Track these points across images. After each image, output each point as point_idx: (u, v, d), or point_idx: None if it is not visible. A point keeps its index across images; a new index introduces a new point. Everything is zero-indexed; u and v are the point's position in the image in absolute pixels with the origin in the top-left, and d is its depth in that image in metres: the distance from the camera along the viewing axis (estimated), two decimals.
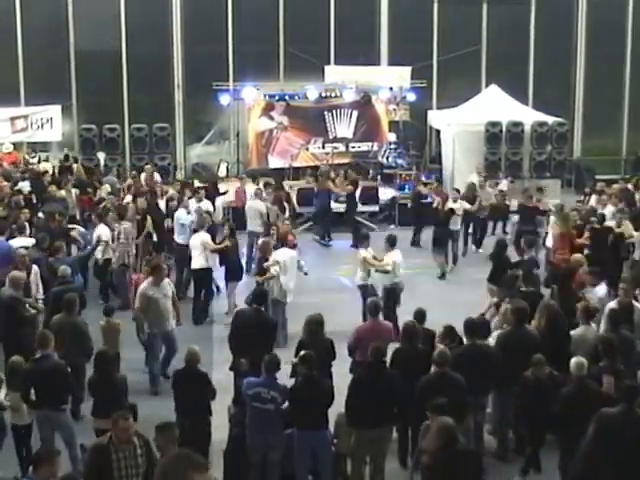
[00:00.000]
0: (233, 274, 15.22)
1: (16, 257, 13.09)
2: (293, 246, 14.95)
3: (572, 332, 10.64)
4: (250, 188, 20.61)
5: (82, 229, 17.01)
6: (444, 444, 7.60)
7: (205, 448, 9.17)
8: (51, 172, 21.75)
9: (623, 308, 11.14)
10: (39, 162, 23.16)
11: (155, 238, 17.07)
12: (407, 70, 25.19)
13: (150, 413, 10.75)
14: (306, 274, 15.07)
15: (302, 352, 9.40)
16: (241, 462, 9.15)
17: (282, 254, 14.05)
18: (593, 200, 19.02)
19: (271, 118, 25.11)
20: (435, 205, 19.23)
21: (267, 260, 13.95)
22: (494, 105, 24.73)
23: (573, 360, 9.08)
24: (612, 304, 11.34)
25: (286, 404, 9.06)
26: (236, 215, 19.82)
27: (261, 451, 9.01)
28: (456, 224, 18.33)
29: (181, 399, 9.34)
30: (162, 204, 18.25)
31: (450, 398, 8.79)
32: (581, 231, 15.80)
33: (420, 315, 10.78)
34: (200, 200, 17.83)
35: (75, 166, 22.57)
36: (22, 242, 14.41)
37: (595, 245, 15.21)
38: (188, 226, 16.37)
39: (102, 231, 15.79)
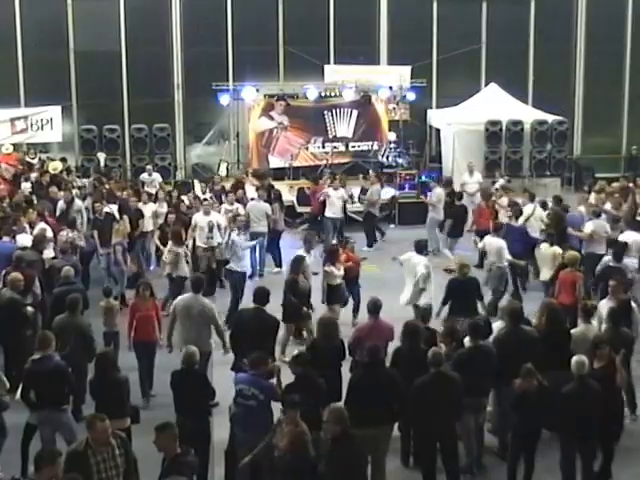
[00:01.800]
0: None
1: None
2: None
3: (572, 331, 10.67)
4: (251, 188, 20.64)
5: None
6: (342, 429, 7.83)
7: (205, 448, 9.19)
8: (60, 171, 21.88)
9: (621, 306, 11.18)
10: (41, 162, 23.25)
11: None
12: (407, 69, 25.25)
13: (150, 414, 10.88)
14: None
15: (295, 352, 9.42)
16: None
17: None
18: (592, 198, 19.02)
19: (271, 118, 25.16)
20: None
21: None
22: (494, 104, 24.80)
23: (574, 359, 9.07)
24: (609, 302, 11.40)
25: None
26: None
27: (249, 447, 9.01)
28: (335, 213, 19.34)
29: (180, 400, 9.34)
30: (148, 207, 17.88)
31: (446, 398, 8.85)
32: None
33: (425, 314, 10.81)
34: (208, 213, 16.60)
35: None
36: (25, 241, 14.47)
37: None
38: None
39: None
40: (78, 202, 17.93)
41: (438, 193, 19.70)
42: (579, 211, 17.19)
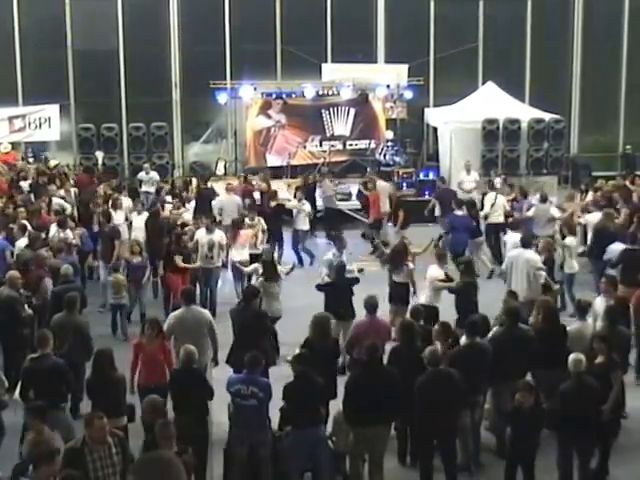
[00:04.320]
0: None
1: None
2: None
3: (569, 328, 10.68)
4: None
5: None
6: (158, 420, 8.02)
7: (204, 447, 9.21)
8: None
9: (619, 303, 11.21)
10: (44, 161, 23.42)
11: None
12: (404, 68, 25.26)
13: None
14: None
15: (297, 351, 9.46)
16: None
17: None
18: (590, 197, 19.09)
19: (269, 116, 25.20)
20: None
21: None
22: (491, 102, 24.80)
23: (571, 356, 9.08)
24: (605, 300, 11.45)
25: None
26: None
27: (246, 444, 9.07)
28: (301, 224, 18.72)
29: (178, 399, 9.37)
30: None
31: (445, 396, 8.89)
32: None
33: (417, 313, 10.85)
34: (210, 231, 15.39)
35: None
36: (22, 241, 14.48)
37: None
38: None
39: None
40: (56, 200, 17.82)
41: (382, 186, 20.09)
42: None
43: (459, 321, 11.68)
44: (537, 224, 17.30)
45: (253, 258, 15.25)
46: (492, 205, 18.44)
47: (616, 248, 14.45)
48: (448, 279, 12.99)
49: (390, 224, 19.86)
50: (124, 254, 15.07)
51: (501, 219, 18.35)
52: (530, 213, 17.62)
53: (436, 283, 12.82)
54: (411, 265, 13.53)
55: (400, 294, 13.34)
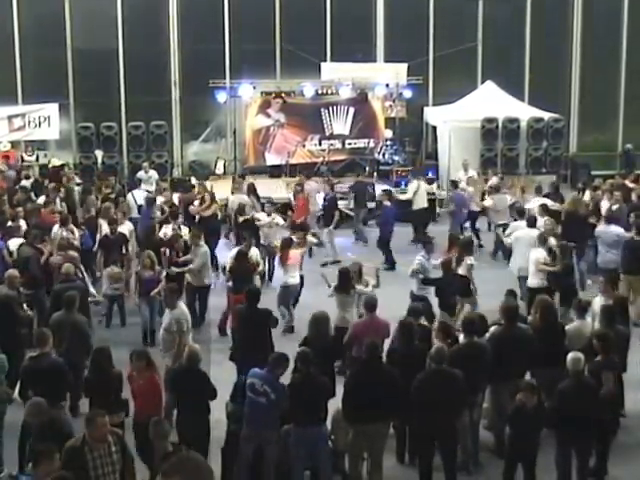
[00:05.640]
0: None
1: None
2: None
3: (567, 327, 10.69)
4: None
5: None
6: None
7: (204, 447, 9.20)
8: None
9: (617, 303, 11.21)
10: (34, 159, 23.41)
11: None
12: (403, 67, 25.25)
13: None
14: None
15: (299, 349, 9.47)
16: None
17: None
18: (587, 196, 19.11)
19: (268, 115, 25.24)
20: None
21: None
22: (490, 101, 24.81)
23: (570, 355, 9.09)
24: (603, 299, 11.46)
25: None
26: None
27: (253, 442, 9.08)
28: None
29: (180, 398, 9.37)
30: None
31: (446, 395, 8.89)
32: None
33: (416, 311, 10.86)
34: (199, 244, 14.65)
35: None
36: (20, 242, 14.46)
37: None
38: None
39: None
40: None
41: (310, 187, 20.27)
42: (467, 191, 20.23)
43: (562, 299, 12.90)
44: (496, 213, 18.88)
45: None
46: (415, 193, 20.28)
47: (613, 231, 15.11)
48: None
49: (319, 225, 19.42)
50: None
51: (425, 204, 20.49)
52: (487, 203, 19.21)
53: (540, 266, 13.75)
54: (469, 260, 13.72)
55: (462, 286, 13.54)
